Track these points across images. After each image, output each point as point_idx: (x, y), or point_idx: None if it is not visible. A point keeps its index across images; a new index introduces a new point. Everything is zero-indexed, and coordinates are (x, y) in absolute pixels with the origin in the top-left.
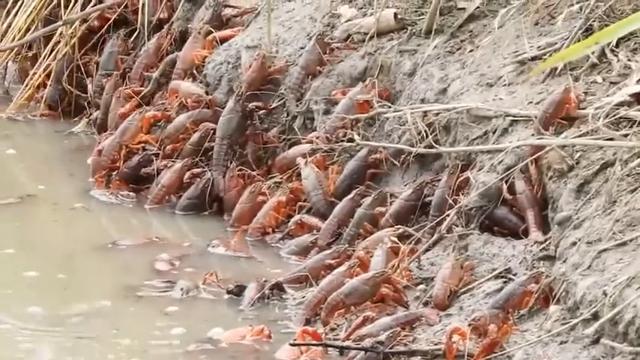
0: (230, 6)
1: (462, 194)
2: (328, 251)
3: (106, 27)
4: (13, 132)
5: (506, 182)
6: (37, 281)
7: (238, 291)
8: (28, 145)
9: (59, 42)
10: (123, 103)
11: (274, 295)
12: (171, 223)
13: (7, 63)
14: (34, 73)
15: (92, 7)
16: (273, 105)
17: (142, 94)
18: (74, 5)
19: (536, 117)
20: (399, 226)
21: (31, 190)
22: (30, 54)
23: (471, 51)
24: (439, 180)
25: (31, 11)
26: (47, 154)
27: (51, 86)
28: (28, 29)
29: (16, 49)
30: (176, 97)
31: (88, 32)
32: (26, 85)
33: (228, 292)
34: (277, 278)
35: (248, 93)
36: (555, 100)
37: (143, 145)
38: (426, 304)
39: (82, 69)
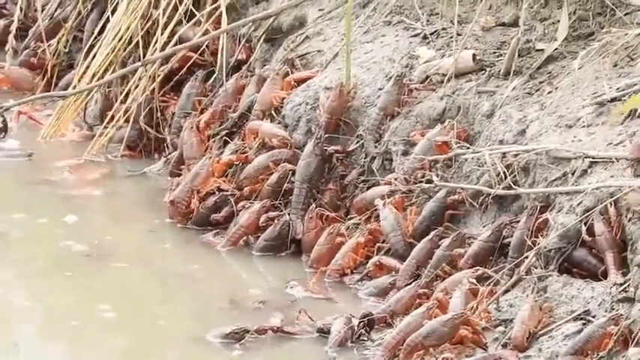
0: (306, 54)
1: (541, 236)
2: (410, 287)
3: (185, 68)
4: (95, 174)
5: (585, 224)
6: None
7: (329, 329)
8: (109, 186)
9: (138, 83)
10: (196, 133)
11: (364, 329)
12: (249, 263)
13: (86, 104)
14: (113, 115)
15: (171, 47)
16: (352, 147)
17: (220, 129)
18: (154, 46)
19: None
20: (477, 268)
21: (111, 234)
22: (109, 95)
23: (549, 92)
24: (518, 221)
25: (109, 52)
26: (125, 195)
27: (130, 127)
28: (106, 70)
29: (95, 89)
30: (254, 137)
31: (167, 73)
32: (105, 127)
33: (319, 331)
34: (367, 311)
35: (327, 135)
36: None
37: (218, 185)
38: (504, 345)
39: (160, 110)
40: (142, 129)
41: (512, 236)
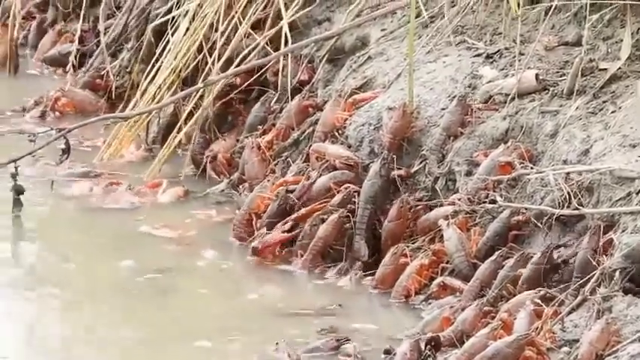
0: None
1: (606, 256)
2: (472, 306)
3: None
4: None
5: None
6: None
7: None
8: (176, 208)
9: (199, 104)
10: (257, 153)
11: (431, 352)
12: (312, 283)
13: (147, 124)
14: (175, 137)
15: (234, 68)
16: (415, 168)
17: (280, 147)
18: (213, 67)
19: None
20: (540, 288)
21: (176, 257)
22: (170, 116)
23: (613, 112)
24: (568, 244)
25: (170, 72)
26: (193, 217)
27: (193, 146)
28: (167, 90)
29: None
30: (317, 158)
31: (229, 92)
32: (167, 148)
33: (385, 352)
34: (433, 333)
35: (392, 154)
36: None
37: (276, 193)
38: None
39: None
40: (207, 148)
41: (575, 257)
